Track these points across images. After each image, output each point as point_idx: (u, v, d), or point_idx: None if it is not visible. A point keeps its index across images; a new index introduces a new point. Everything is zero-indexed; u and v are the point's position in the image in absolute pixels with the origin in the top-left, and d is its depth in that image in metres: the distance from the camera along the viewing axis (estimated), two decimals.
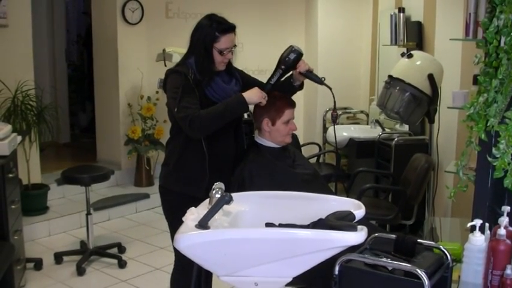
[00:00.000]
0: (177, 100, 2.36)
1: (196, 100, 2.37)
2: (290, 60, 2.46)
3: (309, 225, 1.83)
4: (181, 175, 2.51)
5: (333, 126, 4.98)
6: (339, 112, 5.40)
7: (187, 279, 2.21)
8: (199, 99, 2.39)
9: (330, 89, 2.46)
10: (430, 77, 3.54)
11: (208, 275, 2.36)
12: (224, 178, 2.19)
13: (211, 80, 2.44)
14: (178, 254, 2.50)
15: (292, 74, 2.55)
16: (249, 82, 2.58)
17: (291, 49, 2.48)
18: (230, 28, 2.45)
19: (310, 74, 2.51)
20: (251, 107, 2.48)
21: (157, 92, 5.28)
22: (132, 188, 5.38)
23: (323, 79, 2.50)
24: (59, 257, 3.92)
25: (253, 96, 2.39)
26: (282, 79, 2.53)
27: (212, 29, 2.42)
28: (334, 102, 2.51)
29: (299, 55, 2.47)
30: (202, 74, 2.44)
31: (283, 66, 2.47)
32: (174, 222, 2.33)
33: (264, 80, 2.57)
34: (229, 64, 2.54)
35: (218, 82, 2.47)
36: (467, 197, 2.26)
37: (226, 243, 1.74)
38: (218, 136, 2.47)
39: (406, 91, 3.59)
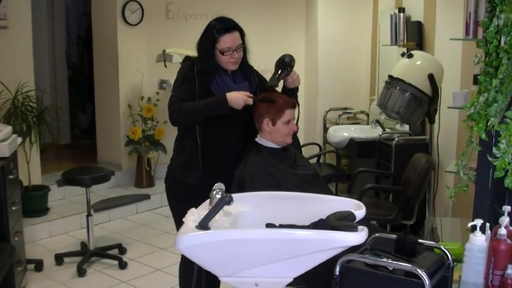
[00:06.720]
0: (175, 86, 2.51)
1: (191, 91, 2.45)
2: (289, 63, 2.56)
3: (309, 225, 1.83)
4: (180, 161, 2.59)
5: (333, 127, 5.07)
6: (340, 112, 5.42)
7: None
8: (200, 90, 2.45)
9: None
10: (430, 77, 3.54)
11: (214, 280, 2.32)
12: (223, 175, 2.21)
13: (213, 78, 2.50)
14: None
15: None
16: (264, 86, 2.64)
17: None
18: (228, 28, 2.47)
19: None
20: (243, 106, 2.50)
21: (157, 93, 5.29)
22: (133, 189, 5.39)
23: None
24: (59, 258, 3.92)
25: (236, 98, 2.43)
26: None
27: (212, 30, 2.48)
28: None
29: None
30: (204, 73, 2.50)
31: (289, 69, 2.55)
32: (173, 212, 2.64)
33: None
34: (245, 65, 2.59)
35: (225, 79, 2.52)
36: (467, 197, 2.26)
37: (227, 244, 1.74)
38: (216, 131, 2.51)
39: (407, 91, 3.59)
